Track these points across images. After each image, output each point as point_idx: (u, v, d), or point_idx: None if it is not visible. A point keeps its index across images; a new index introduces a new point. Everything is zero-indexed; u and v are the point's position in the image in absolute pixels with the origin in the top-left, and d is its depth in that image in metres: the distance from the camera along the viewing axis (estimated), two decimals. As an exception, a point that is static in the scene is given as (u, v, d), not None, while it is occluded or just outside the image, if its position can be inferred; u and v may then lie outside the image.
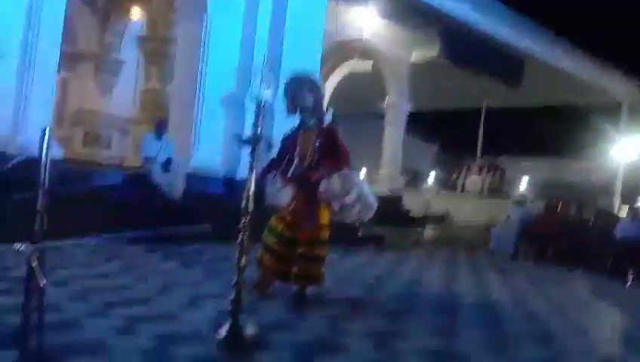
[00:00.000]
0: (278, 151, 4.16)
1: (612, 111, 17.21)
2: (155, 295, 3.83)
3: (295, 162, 4.05)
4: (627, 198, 14.81)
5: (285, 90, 4.16)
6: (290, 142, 4.15)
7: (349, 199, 3.97)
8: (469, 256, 9.19)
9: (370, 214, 4.15)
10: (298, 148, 4.07)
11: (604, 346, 3.73)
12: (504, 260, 9.31)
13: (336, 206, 4.01)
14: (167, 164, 7.65)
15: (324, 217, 4.04)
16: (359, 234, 8.84)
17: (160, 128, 8.17)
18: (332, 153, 4.05)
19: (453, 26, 13.05)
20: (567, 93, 17.03)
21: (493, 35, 13.08)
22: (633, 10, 19.67)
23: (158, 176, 7.46)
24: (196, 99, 8.58)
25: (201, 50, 8.64)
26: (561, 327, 4.22)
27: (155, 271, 4.72)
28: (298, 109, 4.13)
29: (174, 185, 7.59)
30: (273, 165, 4.13)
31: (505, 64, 14.30)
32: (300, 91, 4.09)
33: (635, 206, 9.43)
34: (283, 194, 3.99)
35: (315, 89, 4.19)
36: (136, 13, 12.49)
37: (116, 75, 13.12)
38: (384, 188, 14.82)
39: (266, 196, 3.96)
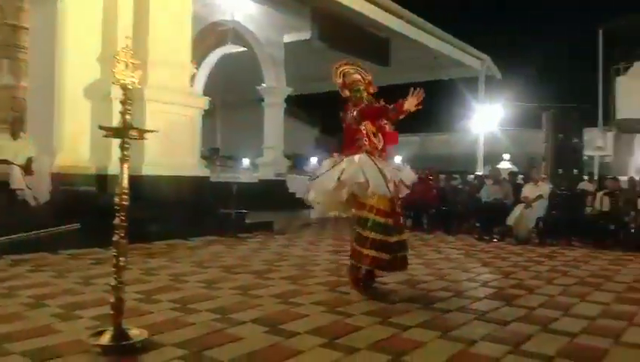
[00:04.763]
0: None
1: (471, 83, 18.75)
2: (26, 310, 3.49)
3: None
4: (489, 164, 16.27)
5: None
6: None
7: None
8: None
9: None
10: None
11: (482, 302, 4.09)
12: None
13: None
14: (27, 166, 6.98)
15: None
16: (247, 221, 8.81)
17: (14, 127, 7.42)
18: None
19: (324, 7, 13.29)
20: (432, 69, 18.20)
21: (362, 13, 13.49)
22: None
23: (17, 180, 6.79)
24: (56, 91, 7.87)
25: (58, 39, 7.93)
26: (441, 289, 4.54)
27: (23, 284, 4.29)
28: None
29: (38, 188, 6.97)
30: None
31: (374, 44, 14.87)
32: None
33: (494, 169, 10.33)
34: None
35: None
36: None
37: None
38: (269, 173, 14.83)
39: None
